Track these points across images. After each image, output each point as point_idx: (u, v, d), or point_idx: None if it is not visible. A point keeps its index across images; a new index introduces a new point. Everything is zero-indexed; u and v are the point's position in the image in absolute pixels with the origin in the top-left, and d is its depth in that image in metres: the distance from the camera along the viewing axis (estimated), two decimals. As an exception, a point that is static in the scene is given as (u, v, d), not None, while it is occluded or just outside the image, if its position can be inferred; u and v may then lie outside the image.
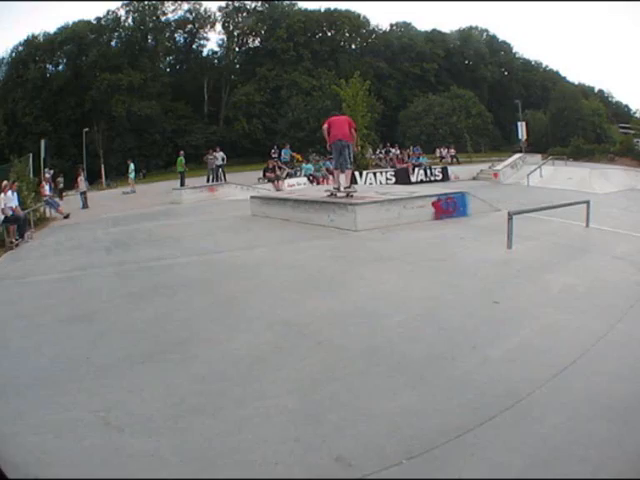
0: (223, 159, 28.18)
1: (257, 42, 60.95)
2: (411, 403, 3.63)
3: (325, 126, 12.06)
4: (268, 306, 5.97)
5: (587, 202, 9.64)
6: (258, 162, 41.34)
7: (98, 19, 56.30)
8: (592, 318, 5.01)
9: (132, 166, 31.24)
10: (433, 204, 11.21)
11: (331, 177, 26.77)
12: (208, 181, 27.54)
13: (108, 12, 56.81)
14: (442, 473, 2.89)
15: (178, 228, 13.54)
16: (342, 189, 12.02)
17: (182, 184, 26.58)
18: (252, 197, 15.19)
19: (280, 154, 30.16)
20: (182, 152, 29.04)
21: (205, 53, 61.13)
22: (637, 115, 57.33)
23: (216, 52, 61.16)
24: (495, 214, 11.16)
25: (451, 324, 5.02)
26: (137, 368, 4.45)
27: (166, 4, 57.38)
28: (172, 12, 58.07)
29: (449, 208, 11.27)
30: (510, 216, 7.95)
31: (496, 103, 61.37)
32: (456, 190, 11.99)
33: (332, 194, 12.21)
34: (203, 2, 59.05)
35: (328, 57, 59.96)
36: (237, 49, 60.99)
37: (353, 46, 64.15)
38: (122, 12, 57.21)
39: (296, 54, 58.20)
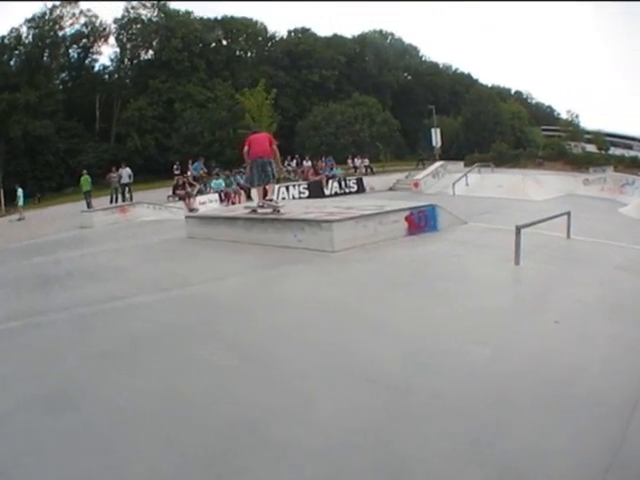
0: (130, 177, 25.73)
1: (150, 54, 57.65)
2: None
3: (245, 148, 11.61)
4: (322, 358, 4.61)
5: (568, 213, 9.33)
6: (157, 179, 38.79)
7: (2, 38, 52.00)
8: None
9: (20, 191, 27.63)
10: (406, 219, 10.23)
11: (243, 193, 25.40)
12: (112, 202, 24.96)
13: (11, 30, 52.51)
14: None
15: (110, 257, 11.53)
16: (266, 204, 11.35)
17: (89, 205, 23.73)
18: (188, 217, 13.36)
19: (184, 170, 27.92)
20: (85, 170, 25.97)
21: (97, 68, 57.45)
22: (564, 117, 56.70)
23: (107, 67, 57.59)
24: (464, 227, 10.69)
25: (557, 351, 4.48)
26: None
27: (65, 18, 53.14)
28: (69, 26, 54.12)
29: (421, 222, 10.36)
30: (518, 230, 7.38)
31: (401, 109, 60.82)
32: (426, 203, 11.08)
33: (254, 210, 11.61)
34: (100, 15, 55.62)
35: (224, 67, 57.96)
36: (130, 62, 57.32)
37: (250, 54, 62.20)
38: (24, 29, 53.03)
39: (190, 64, 55.63)
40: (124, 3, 56.10)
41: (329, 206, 11.86)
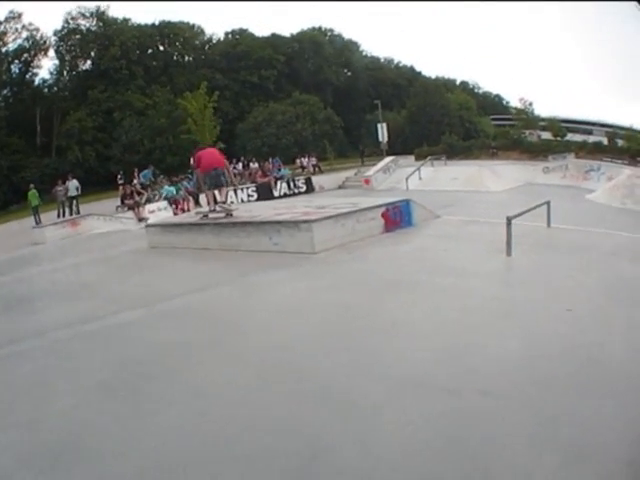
0: (77, 189, 24.29)
1: (89, 64, 55.25)
2: None
3: (194, 163, 11.82)
4: (355, 365, 4.17)
5: (548, 202, 9.19)
6: (100, 191, 37.20)
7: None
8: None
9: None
10: (383, 215, 9.84)
11: (192, 199, 24.48)
12: (59, 216, 23.56)
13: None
14: None
15: (73, 272, 10.82)
16: (218, 207, 11.12)
17: (38, 221, 22.26)
18: (149, 226, 12.60)
19: (129, 179, 26.74)
20: (32, 185, 24.37)
21: (37, 82, 54.16)
22: (516, 105, 54.80)
23: (46, 80, 54.60)
24: (439, 221, 10.48)
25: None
26: None
27: (8, 34, 50.23)
28: (12, 42, 51.04)
29: (397, 218, 10.02)
30: (509, 221, 7.24)
31: (342, 106, 59.42)
32: (400, 198, 10.63)
33: (205, 216, 11.34)
34: (41, 28, 52.44)
35: (162, 73, 55.99)
36: (69, 73, 54.75)
37: (188, 59, 60.08)
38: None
39: (129, 72, 53.56)
40: (64, 14, 53.84)
41: (299, 206, 11.37)
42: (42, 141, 50.53)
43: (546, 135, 44.22)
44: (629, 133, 39.61)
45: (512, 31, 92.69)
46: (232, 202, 25.21)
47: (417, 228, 9.87)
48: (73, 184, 24.17)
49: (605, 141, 40.29)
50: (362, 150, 44.72)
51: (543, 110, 49.78)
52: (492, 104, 65.67)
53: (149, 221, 21.93)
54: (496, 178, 24.44)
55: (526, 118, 44.06)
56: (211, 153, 11.47)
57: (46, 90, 53.99)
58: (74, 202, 23.97)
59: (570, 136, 43.97)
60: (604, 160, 27.51)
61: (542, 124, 45.52)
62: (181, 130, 42.52)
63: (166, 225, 11.98)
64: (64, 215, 23.61)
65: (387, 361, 4.18)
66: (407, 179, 25.43)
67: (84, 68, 55.19)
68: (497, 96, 70.50)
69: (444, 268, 6.92)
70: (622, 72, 60.57)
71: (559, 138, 43.06)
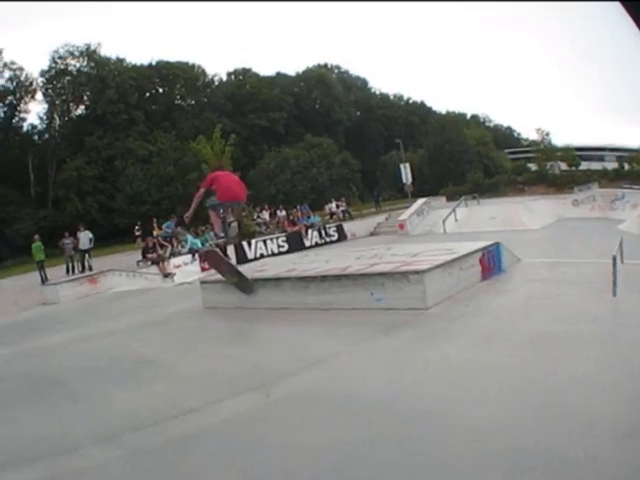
0: (91, 241, 22.89)
1: (83, 108, 54.47)
2: None
3: (202, 190, 9.64)
4: None
5: (621, 239, 8.73)
6: (104, 245, 35.79)
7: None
8: None
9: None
10: (480, 261, 8.81)
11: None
12: (68, 272, 22.10)
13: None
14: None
15: (118, 342, 9.08)
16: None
17: (44, 278, 20.68)
18: (204, 282, 10.92)
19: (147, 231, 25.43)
20: (37, 236, 22.85)
21: (25, 128, 53.19)
22: (530, 136, 55.07)
23: (36, 126, 53.64)
24: (523, 265, 9.78)
25: None
26: None
27: None
28: None
29: (491, 264, 9.02)
30: (614, 261, 6.91)
31: (355, 148, 58.65)
32: (490, 242, 9.47)
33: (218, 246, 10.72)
34: (25, 68, 51.15)
35: (164, 117, 55.35)
36: (61, 118, 53.70)
37: (190, 102, 59.44)
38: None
39: (128, 117, 52.81)
40: (51, 52, 52.58)
41: (385, 255, 9.93)
42: (37, 192, 49.45)
43: (562, 166, 44.35)
44: (637, 155, 39.98)
45: (517, 63, 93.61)
46: (262, 254, 24.22)
47: (509, 274, 9.12)
48: (86, 235, 22.78)
49: (617, 165, 41.63)
50: (377, 195, 43.81)
51: (555, 139, 48.91)
52: (504, 137, 65.42)
53: (176, 277, 20.66)
54: (532, 215, 24.47)
55: (544, 149, 43.28)
56: (232, 179, 9.59)
57: (36, 137, 52.99)
58: (86, 256, 22.51)
59: (583, 164, 44.10)
60: (624, 187, 28.36)
61: (558, 154, 45.09)
62: (190, 178, 41.62)
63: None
64: (74, 271, 22.21)
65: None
66: (444, 221, 25.01)
67: (78, 113, 54.33)
68: (508, 128, 70.41)
69: (568, 315, 6.33)
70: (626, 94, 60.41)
71: (574, 168, 42.78)
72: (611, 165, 42.48)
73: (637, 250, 10.75)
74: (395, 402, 4.62)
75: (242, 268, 12.01)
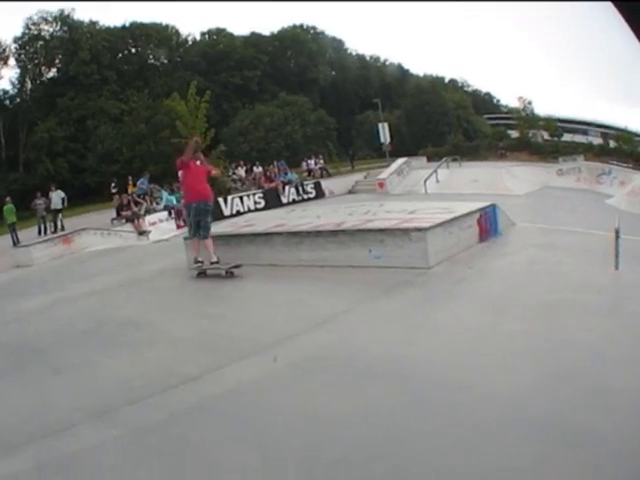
0: (63, 200, 21.80)
1: (55, 71, 52.03)
2: None
3: (181, 172, 9.53)
4: None
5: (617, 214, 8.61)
6: (75, 205, 34.26)
7: None
8: None
9: None
10: (478, 222, 8.45)
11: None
12: (40, 233, 21.07)
13: None
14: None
15: (101, 304, 8.35)
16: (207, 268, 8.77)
17: (16, 240, 19.60)
18: (187, 238, 10.09)
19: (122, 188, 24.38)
20: (8, 198, 21.51)
21: None
22: (511, 104, 54.03)
23: (7, 91, 50.87)
24: (518, 229, 9.47)
25: None
26: None
27: None
28: None
29: (487, 226, 8.67)
30: (617, 234, 6.58)
31: (330, 107, 56.84)
32: (487, 203, 9.11)
33: (203, 272, 8.88)
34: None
35: (136, 77, 53.10)
36: (33, 82, 51.35)
37: (163, 61, 57.08)
38: None
39: (100, 77, 50.59)
40: (24, 19, 50.25)
41: (379, 212, 9.42)
42: (7, 155, 47.53)
43: (544, 135, 43.65)
44: (623, 134, 38.86)
45: (500, 26, 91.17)
46: (238, 211, 23.49)
47: (505, 237, 8.83)
48: (58, 195, 21.67)
49: (601, 141, 41.04)
50: (351, 154, 43.03)
51: (537, 109, 48.17)
52: (482, 102, 63.63)
53: (151, 234, 19.85)
54: (515, 181, 23.98)
55: (526, 117, 42.71)
56: (200, 174, 9.01)
57: (8, 102, 50.89)
58: (59, 216, 21.47)
59: (565, 136, 43.54)
60: (611, 163, 28.08)
61: (540, 123, 44.63)
62: (163, 136, 40.32)
63: (217, 237, 9.58)
64: (46, 232, 21.16)
65: None
66: (425, 182, 24.24)
67: (50, 76, 52.05)
68: (487, 94, 68.54)
69: (573, 284, 6.10)
70: (610, 71, 59.96)
71: (556, 138, 42.39)
72: (595, 140, 41.97)
73: (629, 226, 10.65)
74: (418, 368, 4.24)
75: (225, 223, 11.42)
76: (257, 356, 4.79)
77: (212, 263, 8.60)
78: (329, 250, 7.84)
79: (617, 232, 6.68)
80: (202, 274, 8.81)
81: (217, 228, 10.65)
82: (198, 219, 8.75)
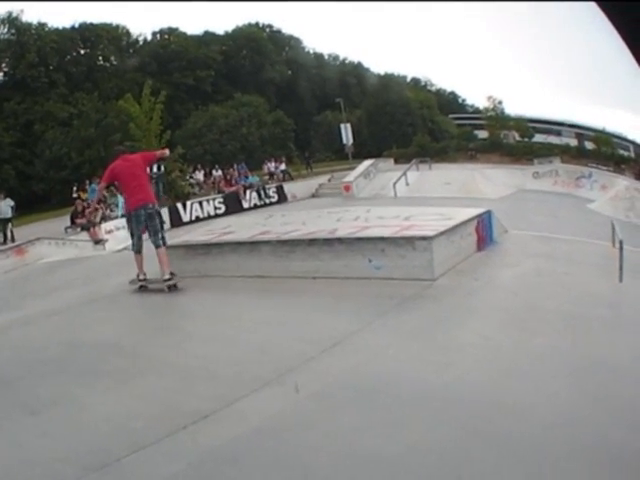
0: (12, 209, 20.65)
1: (1, 75, 50.10)
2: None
3: (103, 184, 9.34)
4: None
5: (612, 222, 8.67)
6: (23, 214, 32.67)
7: None
8: None
9: None
10: (476, 230, 8.13)
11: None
12: (-11, 244, 19.83)
13: None
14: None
15: (68, 326, 7.47)
16: (165, 276, 8.03)
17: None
18: (171, 246, 9.33)
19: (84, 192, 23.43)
20: None
21: None
22: (476, 104, 54.08)
23: None
24: (512, 236, 9.17)
25: None
26: None
27: None
28: None
29: (484, 233, 8.35)
30: (621, 245, 6.67)
31: (287, 108, 55.44)
32: (483, 209, 8.77)
33: (143, 287, 8.30)
34: None
35: (85, 79, 51.43)
36: None
37: (113, 63, 55.26)
38: None
39: (48, 80, 48.87)
40: None
41: (370, 218, 8.95)
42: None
43: (516, 136, 43.15)
44: (601, 136, 39.01)
45: (464, 23, 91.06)
46: (197, 217, 22.76)
47: (502, 245, 8.53)
48: (7, 203, 20.60)
49: (576, 142, 40.49)
50: (307, 156, 42.61)
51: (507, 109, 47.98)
52: (447, 102, 63.36)
53: (107, 243, 18.93)
54: (489, 184, 23.67)
55: (497, 117, 42.40)
56: (134, 171, 8.15)
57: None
58: (8, 226, 20.31)
59: (538, 137, 43.15)
60: (591, 166, 27.92)
61: (511, 124, 44.43)
62: (113, 140, 39.09)
63: (196, 245, 8.94)
64: (-5, 242, 19.95)
65: None
66: (394, 185, 23.67)
67: (-3, 80, 50.23)
68: (452, 93, 68.29)
69: (585, 297, 6.08)
70: (584, 70, 60.68)
71: (527, 139, 42.46)
72: (568, 141, 41.81)
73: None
74: (458, 393, 3.87)
75: (201, 230, 10.74)
76: (273, 385, 4.24)
77: (166, 280, 7.96)
78: (323, 260, 7.33)
79: (621, 243, 6.69)
80: (144, 287, 8.24)
81: (193, 236, 10.04)
82: (145, 225, 8.08)
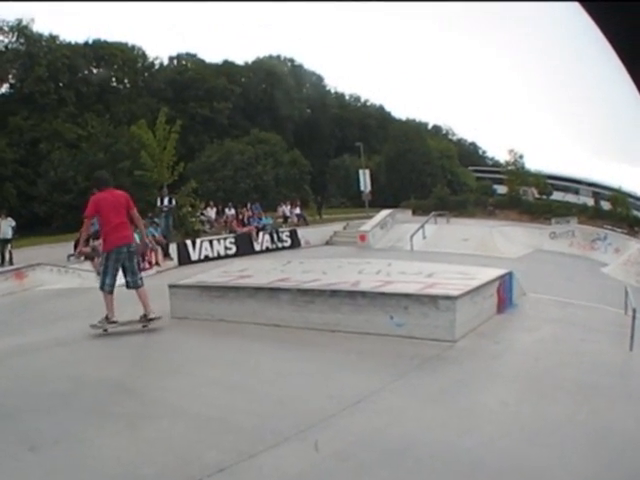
0: (13, 229, 20.83)
1: (7, 87, 50.67)
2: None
3: (90, 219, 8.64)
4: None
5: (625, 288, 9.01)
6: (23, 236, 32.95)
7: None
8: None
9: None
10: (497, 291, 8.34)
11: (160, 249, 21.46)
12: (-13, 267, 19.99)
13: None
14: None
15: (70, 352, 7.68)
16: (151, 315, 8.40)
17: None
18: (174, 286, 9.56)
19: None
20: None
21: None
22: (496, 157, 55.39)
23: None
24: (531, 300, 9.44)
25: None
26: None
27: None
28: None
29: (505, 295, 8.55)
30: (634, 313, 6.91)
31: (303, 148, 55.80)
32: (504, 271, 9.02)
33: (105, 330, 8.36)
34: None
35: (97, 100, 52.04)
36: None
37: (127, 84, 55.98)
38: None
39: (58, 97, 49.42)
40: None
41: (392, 272, 9.14)
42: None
43: (535, 193, 43.49)
44: (617, 195, 39.35)
45: (489, 74, 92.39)
46: (207, 256, 22.88)
47: (521, 309, 8.82)
48: (8, 223, 20.77)
49: (593, 201, 41.34)
50: (320, 201, 42.69)
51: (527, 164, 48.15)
52: (467, 153, 63.36)
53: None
54: (507, 242, 23.98)
55: (517, 172, 42.63)
56: (115, 208, 8.21)
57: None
58: (7, 247, 20.51)
59: (556, 194, 43.82)
60: (606, 227, 28.32)
61: (531, 179, 44.64)
62: (122, 167, 39.55)
63: (209, 287, 9.13)
64: (-8, 265, 20.11)
65: None
66: (412, 238, 23.89)
67: (2, 92, 50.60)
68: (472, 144, 68.56)
69: (601, 366, 6.21)
70: (604, 129, 61.64)
71: (545, 197, 42.81)
72: (585, 199, 42.15)
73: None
74: (481, 460, 4.00)
75: (215, 272, 10.86)
76: (293, 441, 4.34)
77: (149, 320, 8.23)
78: (344, 313, 7.48)
79: (634, 312, 6.94)
80: (105, 331, 8.33)
81: (207, 277, 10.18)
82: (123, 264, 8.23)
